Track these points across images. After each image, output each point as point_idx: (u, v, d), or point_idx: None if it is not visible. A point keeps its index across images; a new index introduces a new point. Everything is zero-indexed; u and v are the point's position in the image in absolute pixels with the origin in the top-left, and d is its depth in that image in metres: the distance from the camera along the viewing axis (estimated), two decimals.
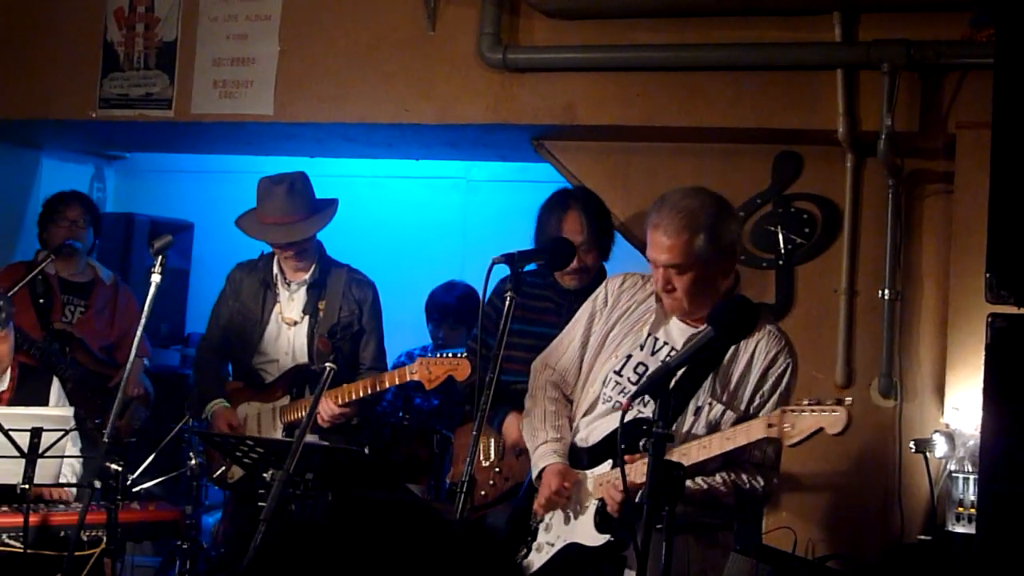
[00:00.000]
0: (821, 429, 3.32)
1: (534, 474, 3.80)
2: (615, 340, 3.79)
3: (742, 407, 3.62)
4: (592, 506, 3.67)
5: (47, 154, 7.88)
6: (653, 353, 3.71)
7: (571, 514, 3.75)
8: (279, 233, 5.02)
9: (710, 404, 3.59)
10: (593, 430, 3.77)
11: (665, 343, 3.72)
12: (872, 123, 5.06)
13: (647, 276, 3.82)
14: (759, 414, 3.59)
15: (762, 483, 3.62)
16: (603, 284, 3.94)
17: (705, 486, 3.54)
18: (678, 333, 3.72)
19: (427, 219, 8.13)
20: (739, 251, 3.69)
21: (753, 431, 3.42)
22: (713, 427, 3.58)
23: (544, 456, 3.77)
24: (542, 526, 3.83)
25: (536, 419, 3.87)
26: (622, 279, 3.91)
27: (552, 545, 3.78)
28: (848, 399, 3.35)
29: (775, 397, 3.63)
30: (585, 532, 3.69)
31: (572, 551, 3.73)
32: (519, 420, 4.17)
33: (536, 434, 3.84)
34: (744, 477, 3.59)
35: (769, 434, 3.39)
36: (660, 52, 5.34)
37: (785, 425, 3.35)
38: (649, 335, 3.73)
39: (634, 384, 3.67)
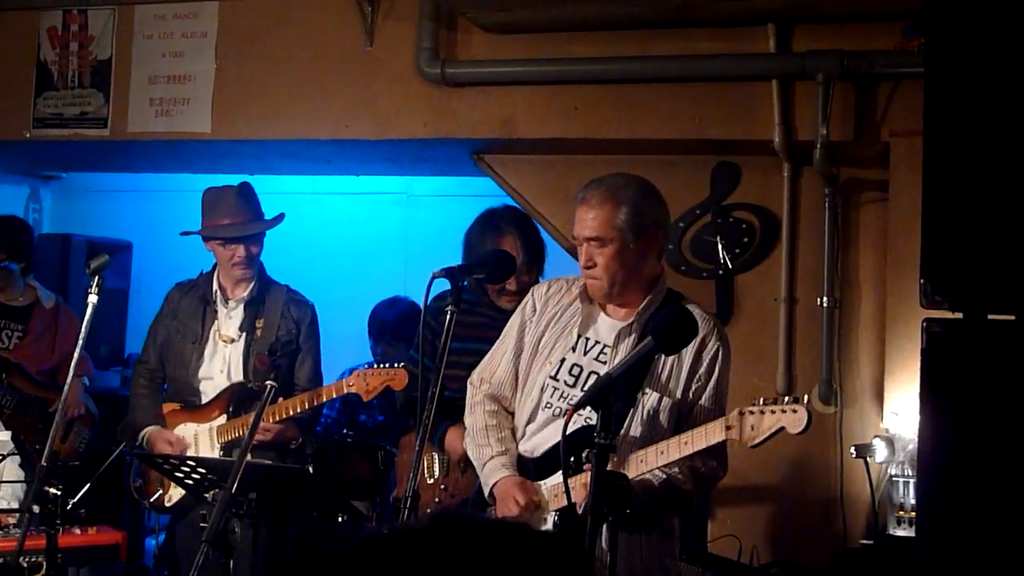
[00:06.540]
0: (782, 429, 3.35)
1: (486, 490, 3.78)
2: (547, 346, 3.79)
3: (678, 393, 3.63)
4: (551, 517, 3.66)
5: None
6: (586, 353, 3.73)
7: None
8: (234, 229, 4.99)
9: (645, 392, 3.61)
10: (538, 439, 3.77)
11: (597, 342, 3.73)
12: (808, 133, 5.12)
13: (571, 279, 3.86)
14: (701, 398, 3.63)
15: (714, 464, 3.64)
16: (529, 293, 3.95)
17: (664, 476, 3.56)
18: (606, 330, 3.73)
19: (368, 235, 8.10)
20: (663, 237, 3.71)
21: (711, 434, 3.42)
22: (652, 416, 3.60)
23: (495, 470, 3.75)
24: None
25: (479, 435, 3.85)
26: (547, 286, 3.93)
27: None
28: (806, 397, 3.38)
29: (712, 380, 3.65)
30: None
31: None
32: (460, 433, 4.15)
33: (482, 450, 3.82)
34: (697, 462, 3.60)
35: (729, 436, 3.40)
36: (597, 65, 5.37)
37: (745, 426, 3.37)
38: (579, 336, 3.75)
39: (571, 386, 3.70)
